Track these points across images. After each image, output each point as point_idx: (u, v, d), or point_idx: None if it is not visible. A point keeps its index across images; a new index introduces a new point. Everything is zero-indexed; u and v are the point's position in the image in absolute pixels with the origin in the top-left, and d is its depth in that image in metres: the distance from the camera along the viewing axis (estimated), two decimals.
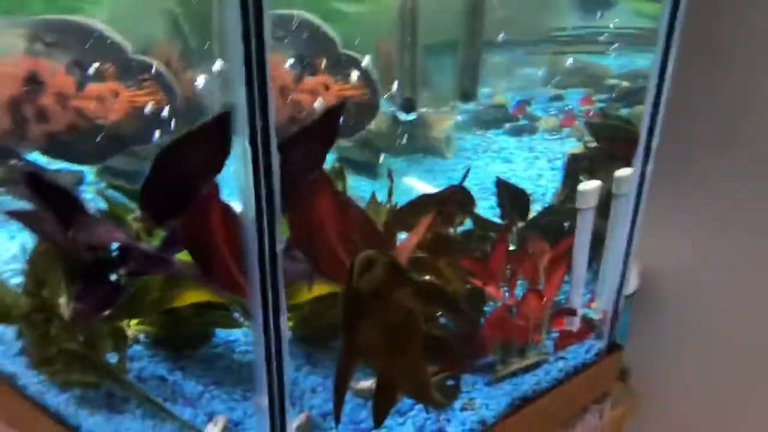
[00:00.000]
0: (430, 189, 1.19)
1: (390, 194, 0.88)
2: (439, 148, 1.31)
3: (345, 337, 0.61)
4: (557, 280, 0.82)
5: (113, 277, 0.73)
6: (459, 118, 1.41)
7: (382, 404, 0.66)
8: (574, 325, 0.89)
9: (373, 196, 0.90)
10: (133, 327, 0.84)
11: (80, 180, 1.01)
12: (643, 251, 1.07)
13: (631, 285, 1.01)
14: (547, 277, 0.82)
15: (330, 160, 1.32)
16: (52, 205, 0.68)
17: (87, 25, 0.92)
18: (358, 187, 1.10)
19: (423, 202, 0.85)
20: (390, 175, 0.90)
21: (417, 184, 1.27)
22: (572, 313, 0.88)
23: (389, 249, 0.77)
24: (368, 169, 1.28)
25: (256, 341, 0.57)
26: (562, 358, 0.87)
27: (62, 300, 0.72)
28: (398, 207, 0.87)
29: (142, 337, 0.86)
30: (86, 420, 0.76)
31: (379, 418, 0.67)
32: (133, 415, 0.76)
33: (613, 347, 0.92)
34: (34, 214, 0.70)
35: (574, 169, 0.92)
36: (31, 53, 0.88)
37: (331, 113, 0.71)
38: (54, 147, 0.90)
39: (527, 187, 1.19)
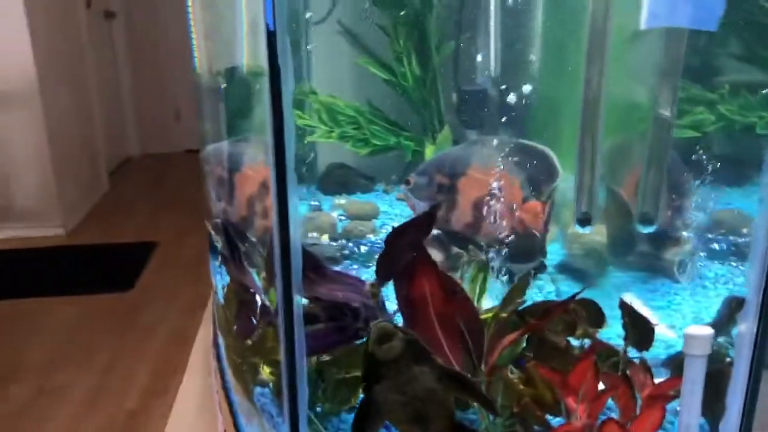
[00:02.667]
0: (644, 308, 1.19)
1: (513, 297, 0.95)
2: (670, 270, 1.27)
3: (364, 392, 0.74)
4: (652, 419, 0.78)
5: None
6: (716, 246, 1.33)
7: None
8: None
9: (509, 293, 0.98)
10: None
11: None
12: None
13: None
14: (641, 412, 0.79)
15: (551, 263, 1.40)
16: None
17: (543, 152, 1.19)
18: (568, 293, 1.15)
19: (545, 307, 0.90)
20: (525, 281, 0.96)
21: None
22: None
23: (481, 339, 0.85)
24: (585, 278, 1.31)
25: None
26: None
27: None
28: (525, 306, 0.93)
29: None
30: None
31: None
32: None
33: None
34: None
35: (726, 315, 0.85)
36: (503, 168, 1.16)
37: (429, 215, 0.85)
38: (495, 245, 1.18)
39: None
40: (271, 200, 0.65)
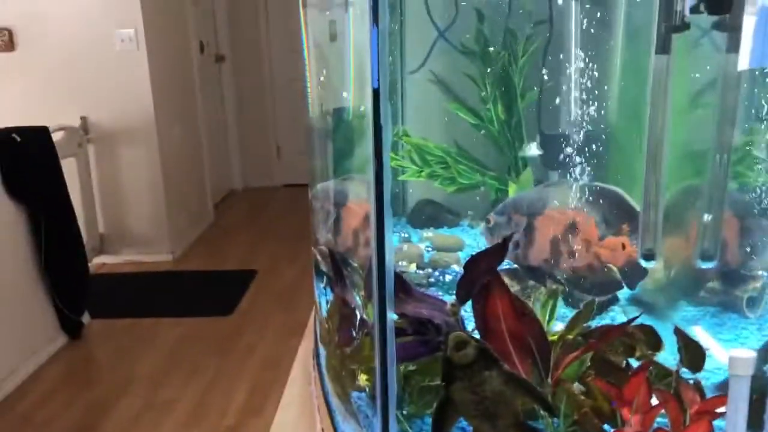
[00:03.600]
0: (710, 340, 1.27)
1: (578, 321, 1.06)
2: (739, 305, 1.34)
3: (443, 390, 0.87)
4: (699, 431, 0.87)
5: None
6: None
7: None
8: None
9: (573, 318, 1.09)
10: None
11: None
12: None
13: None
14: (689, 425, 0.88)
15: (624, 296, 1.50)
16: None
17: (615, 193, 1.32)
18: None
19: (607, 331, 1.01)
20: (590, 307, 1.08)
21: (700, 334, 1.33)
22: None
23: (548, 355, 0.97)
24: (657, 311, 1.39)
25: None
26: None
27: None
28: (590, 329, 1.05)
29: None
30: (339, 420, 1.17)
31: None
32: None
33: None
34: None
35: None
36: (577, 208, 1.31)
37: (502, 245, 0.98)
38: (571, 279, 1.31)
39: None
40: (371, 231, 0.80)
